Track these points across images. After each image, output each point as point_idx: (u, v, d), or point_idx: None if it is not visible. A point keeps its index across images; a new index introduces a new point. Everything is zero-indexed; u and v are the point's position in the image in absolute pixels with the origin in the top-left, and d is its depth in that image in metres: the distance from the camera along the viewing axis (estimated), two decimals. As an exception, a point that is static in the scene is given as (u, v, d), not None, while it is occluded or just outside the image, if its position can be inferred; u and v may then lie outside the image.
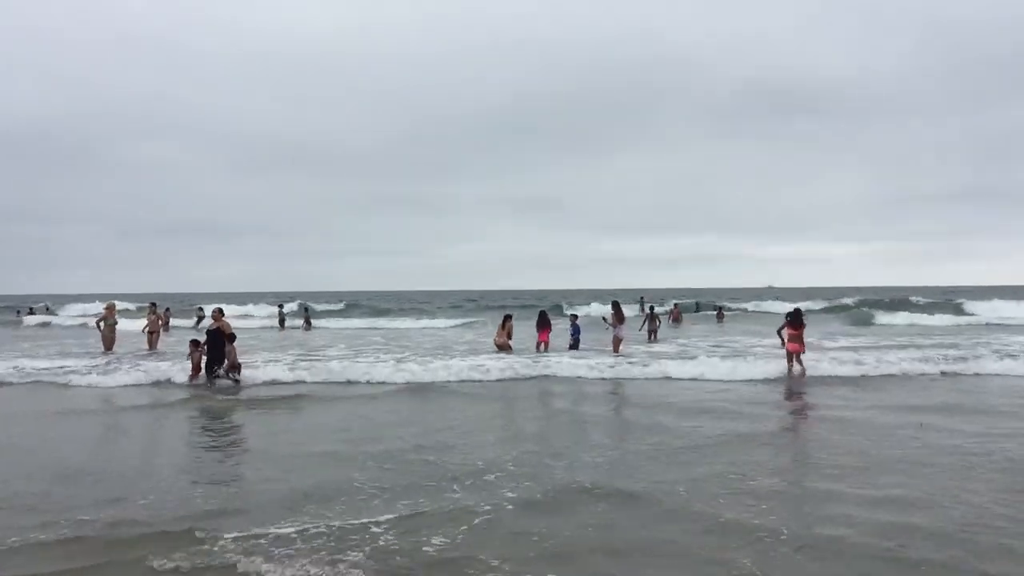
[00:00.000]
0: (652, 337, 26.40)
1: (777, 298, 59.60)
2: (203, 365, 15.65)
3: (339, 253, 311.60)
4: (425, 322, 41.79)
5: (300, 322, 39.25)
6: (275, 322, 39.76)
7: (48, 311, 51.26)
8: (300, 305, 45.83)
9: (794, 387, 14.55)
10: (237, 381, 15.21)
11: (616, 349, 20.22)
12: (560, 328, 23.69)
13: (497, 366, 17.05)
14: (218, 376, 15.30)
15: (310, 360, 19.20)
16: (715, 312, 45.66)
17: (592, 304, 49.51)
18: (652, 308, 28.83)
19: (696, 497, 6.73)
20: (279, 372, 16.31)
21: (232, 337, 15.59)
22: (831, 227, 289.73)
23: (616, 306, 20.88)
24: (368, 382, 15.50)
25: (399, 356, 20.02)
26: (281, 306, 41.85)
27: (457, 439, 9.53)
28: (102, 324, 22.71)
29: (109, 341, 22.38)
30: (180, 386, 15.06)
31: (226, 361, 15.38)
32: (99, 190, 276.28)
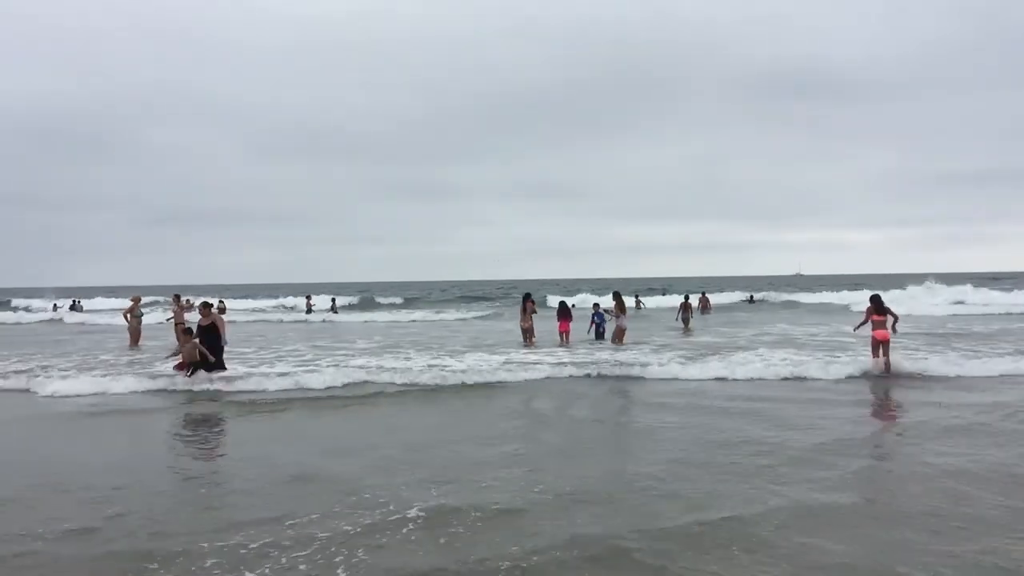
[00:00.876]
0: (687, 326, 26.36)
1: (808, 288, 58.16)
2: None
3: (355, 240, 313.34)
4: (450, 314, 41.06)
5: (328, 312, 40.94)
6: (300, 314, 41.51)
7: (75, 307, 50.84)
8: (330, 299, 46.31)
9: (886, 386, 12.77)
10: (190, 375, 13.78)
11: (620, 340, 19.96)
12: (579, 317, 22.89)
13: (551, 360, 15.75)
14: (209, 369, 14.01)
15: (335, 355, 18.44)
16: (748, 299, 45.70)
17: (581, 294, 49.26)
18: (687, 296, 29.22)
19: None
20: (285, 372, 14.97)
21: (190, 332, 14.46)
22: (857, 212, 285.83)
23: (617, 296, 20.87)
24: (392, 382, 13.60)
25: (435, 352, 18.96)
26: (309, 296, 43.48)
27: (470, 463, 7.60)
28: (129, 317, 22.41)
29: (136, 333, 22.08)
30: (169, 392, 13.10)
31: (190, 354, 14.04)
32: (118, 179, 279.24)
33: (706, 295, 38.14)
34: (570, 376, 14.30)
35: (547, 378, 14.04)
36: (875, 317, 14.68)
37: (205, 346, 14.06)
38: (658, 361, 15.67)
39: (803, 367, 14.45)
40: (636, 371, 14.52)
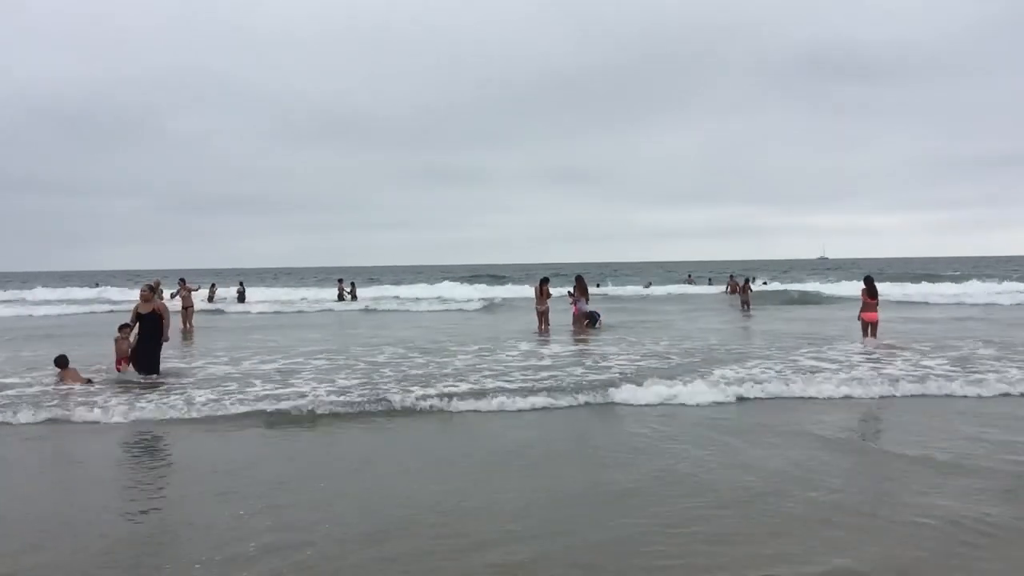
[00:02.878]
0: (746, 308, 28.35)
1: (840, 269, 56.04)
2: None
3: (378, 226, 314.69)
4: (467, 301, 38.08)
5: (348, 297, 40.60)
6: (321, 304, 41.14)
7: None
8: (349, 282, 45.98)
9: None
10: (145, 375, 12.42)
11: (578, 323, 20.34)
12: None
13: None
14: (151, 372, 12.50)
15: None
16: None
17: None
18: (747, 280, 31.61)
19: None
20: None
21: (127, 327, 12.85)
22: (883, 196, 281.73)
23: (579, 280, 21.29)
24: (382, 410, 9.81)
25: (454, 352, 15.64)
26: (340, 280, 44.03)
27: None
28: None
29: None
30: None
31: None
32: (144, 164, 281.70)
33: (734, 278, 42.04)
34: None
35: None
36: (868, 300, 15.85)
37: (144, 339, 12.52)
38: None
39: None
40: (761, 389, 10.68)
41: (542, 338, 18.44)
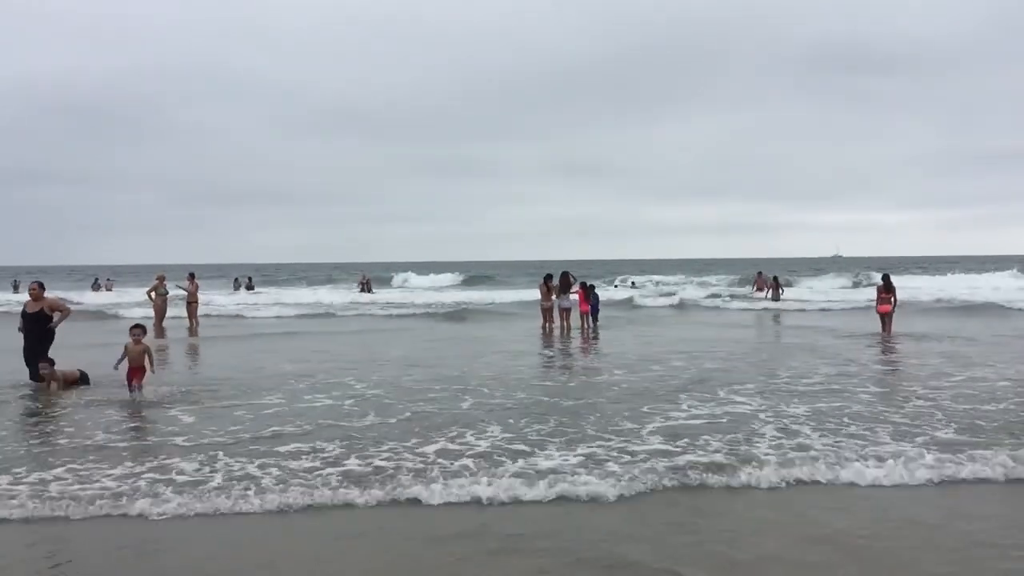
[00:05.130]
0: (777, 296, 30.92)
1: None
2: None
3: (387, 220, 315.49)
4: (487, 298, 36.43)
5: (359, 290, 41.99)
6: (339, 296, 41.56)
7: (110, 285, 50.49)
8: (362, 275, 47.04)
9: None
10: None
11: (565, 321, 20.43)
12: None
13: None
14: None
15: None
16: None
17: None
18: (776, 278, 32.93)
19: None
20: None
21: (142, 328, 10.85)
22: (899, 192, 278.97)
23: (564, 276, 21.47)
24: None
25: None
26: (364, 276, 45.58)
27: None
28: (153, 294, 22.81)
29: (160, 311, 22.49)
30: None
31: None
32: (156, 155, 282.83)
33: (763, 275, 37.07)
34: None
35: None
36: (883, 294, 17.87)
37: (31, 341, 11.29)
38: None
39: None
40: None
41: (546, 343, 17.89)
